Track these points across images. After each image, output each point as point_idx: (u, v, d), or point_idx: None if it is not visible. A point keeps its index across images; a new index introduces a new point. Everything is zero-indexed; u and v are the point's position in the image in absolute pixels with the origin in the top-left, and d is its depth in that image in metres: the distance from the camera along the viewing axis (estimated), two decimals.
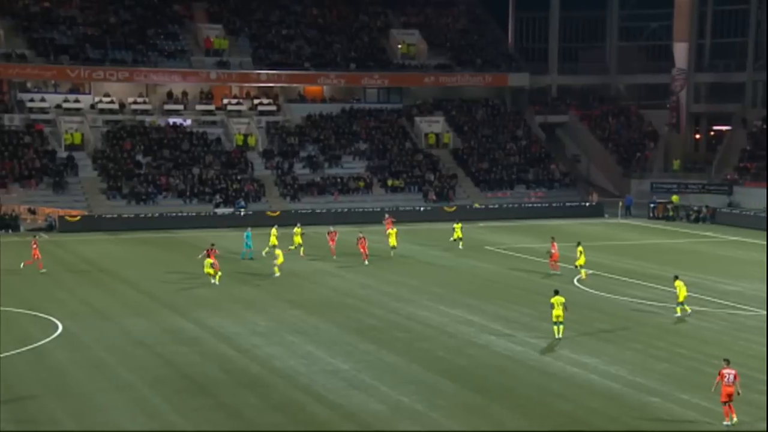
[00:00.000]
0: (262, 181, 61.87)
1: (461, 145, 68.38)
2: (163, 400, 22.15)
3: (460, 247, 45.26)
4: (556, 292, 28.33)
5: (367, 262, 40.92)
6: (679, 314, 31.15)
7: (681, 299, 31.07)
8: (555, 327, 27.80)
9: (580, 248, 38.28)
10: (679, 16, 69.49)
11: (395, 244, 43.13)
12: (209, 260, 36.85)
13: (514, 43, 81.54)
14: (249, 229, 44.01)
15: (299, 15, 74.54)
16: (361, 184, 62.83)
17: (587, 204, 62.86)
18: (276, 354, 26.42)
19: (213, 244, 39.69)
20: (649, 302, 33.80)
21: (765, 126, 68.55)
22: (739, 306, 33.11)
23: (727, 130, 74.73)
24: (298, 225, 44.60)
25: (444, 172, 65.24)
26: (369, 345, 27.42)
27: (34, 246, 39.80)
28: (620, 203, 61.30)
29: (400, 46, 72.76)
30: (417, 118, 69.59)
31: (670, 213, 59.24)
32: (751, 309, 32.65)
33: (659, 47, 79.83)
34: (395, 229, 43.80)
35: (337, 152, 65.63)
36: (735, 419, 20.33)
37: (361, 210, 58.20)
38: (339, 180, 62.80)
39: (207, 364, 25.31)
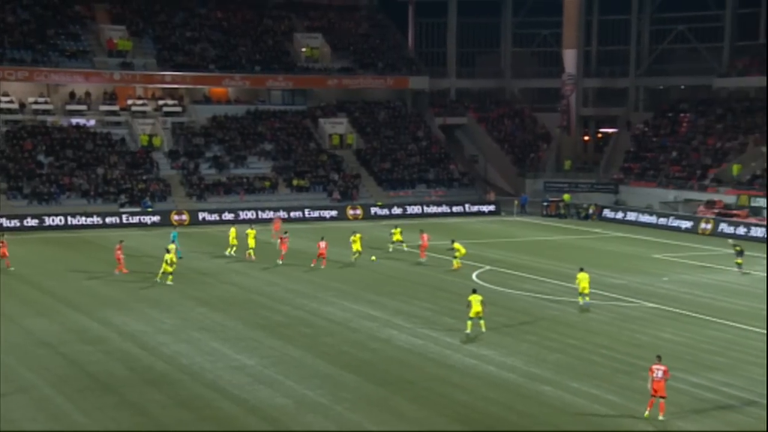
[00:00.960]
0: (168, 181, 60.70)
1: (364, 146, 68.57)
2: (65, 400, 21.50)
3: (405, 248, 43.36)
4: (474, 291, 28.54)
5: (281, 262, 40.17)
6: (582, 303, 32.06)
7: (581, 290, 32.03)
8: (470, 322, 27.93)
9: (456, 245, 39.72)
10: (568, 25, 71.26)
11: (359, 249, 40.53)
12: (170, 256, 35.94)
13: (414, 47, 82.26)
14: (176, 229, 43.30)
15: (203, 18, 73.42)
16: (267, 183, 62.32)
17: (485, 202, 63.92)
18: (182, 351, 25.96)
19: (121, 241, 38.98)
20: (542, 296, 34.56)
21: (646, 128, 70.99)
22: (624, 298, 34.18)
23: (613, 133, 77.10)
24: (251, 227, 43.63)
25: (348, 171, 65.31)
26: (275, 341, 27.23)
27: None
28: (516, 201, 62.47)
29: (303, 49, 72.45)
30: (321, 120, 69.44)
31: (562, 211, 60.66)
32: (635, 301, 33.74)
33: (550, 53, 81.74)
34: (359, 235, 41.27)
35: (242, 153, 64.93)
36: (647, 414, 20.55)
37: (266, 209, 57.78)
38: (245, 180, 62.14)
39: (112, 363, 24.69)
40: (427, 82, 74.04)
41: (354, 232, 41.43)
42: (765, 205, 53.71)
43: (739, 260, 39.91)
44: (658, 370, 20.67)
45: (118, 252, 37.82)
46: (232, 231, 42.63)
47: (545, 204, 61.54)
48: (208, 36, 71.53)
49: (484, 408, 21.35)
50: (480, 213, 61.48)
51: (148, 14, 71.57)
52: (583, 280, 32.15)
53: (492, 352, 26.20)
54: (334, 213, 58.98)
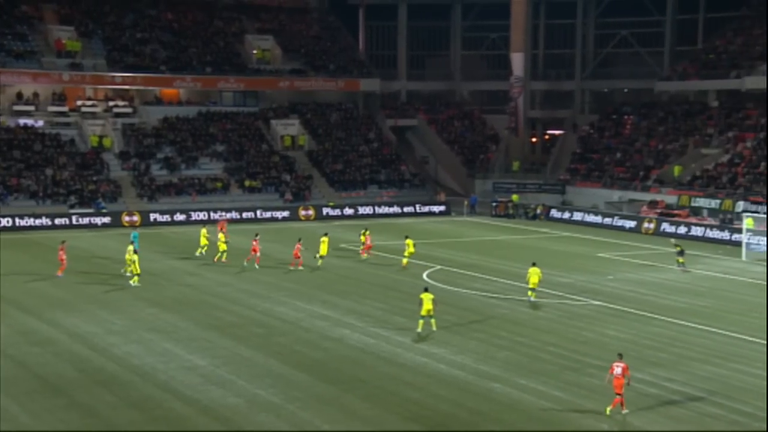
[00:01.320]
0: (119, 182, 59.87)
1: (316, 147, 68.41)
2: (12, 401, 21.07)
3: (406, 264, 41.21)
4: (426, 290, 28.58)
5: (246, 264, 39.24)
6: (532, 298, 32.72)
7: (531, 285, 32.65)
8: (421, 321, 27.98)
9: (408, 241, 40.03)
10: (515, 28, 71.93)
11: (325, 253, 39.71)
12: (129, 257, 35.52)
13: (365, 50, 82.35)
14: (136, 230, 42.73)
15: (153, 19, 72.55)
16: (219, 184, 61.81)
17: (436, 202, 64.23)
18: (133, 352, 25.62)
19: (63, 241, 38.32)
20: (492, 295, 34.80)
21: (592, 130, 71.96)
22: (570, 296, 34.58)
23: (559, 134, 78.04)
24: (204, 226, 43.20)
25: (300, 172, 65.09)
26: (227, 341, 27.00)
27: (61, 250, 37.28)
28: (465, 202, 62.85)
29: (255, 51, 72.02)
30: (273, 121, 69.10)
31: (510, 211, 61.19)
32: (582, 299, 34.17)
33: (498, 56, 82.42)
34: (327, 238, 40.31)
35: (194, 154, 64.31)
36: (609, 411, 20.68)
37: (218, 209, 57.34)
38: (197, 181, 61.55)
39: (61, 364, 24.25)
40: (378, 85, 74.13)
41: (325, 234, 40.83)
42: (707, 206, 54.75)
43: (681, 259, 40.66)
44: (618, 367, 20.94)
45: (61, 252, 37.12)
46: (203, 231, 42.19)
47: (494, 204, 62.04)
48: (159, 37, 70.72)
49: (435, 405, 21.44)
50: (430, 213, 61.73)
51: (97, 15, 70.52)
52: (533, 274, 32.72)
53: (442, 350, 26.31)
54: (286, 214, 58.74)
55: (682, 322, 30.06)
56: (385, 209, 61.39)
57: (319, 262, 39.69)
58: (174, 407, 21.04)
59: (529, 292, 33.00)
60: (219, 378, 23.27)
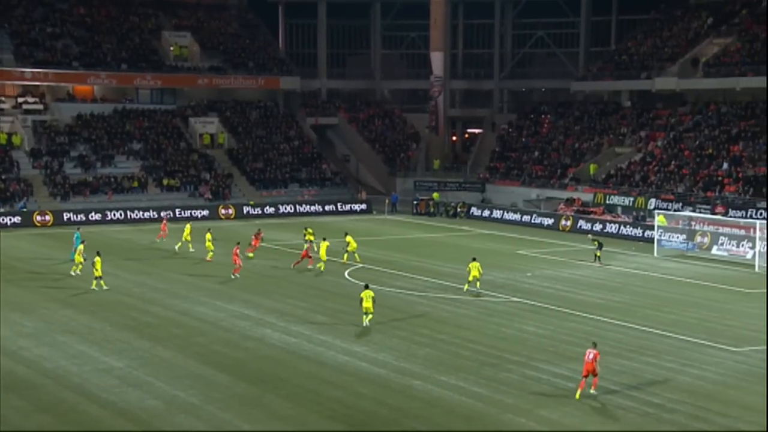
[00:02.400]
0: (30, 180, 58.12)
1: (236, 145, 67.72)
2: None
3: (346, 260, 41.22)
4: (366, 287, 29.02)
5: (251, 255, 40.46)
6: (466, 289, 33.98)
7: (471, 278, 34.18)
8: (365, 316, 28.62)
9: (348, 237, 40.40)
10: (435, 28, 72.51)
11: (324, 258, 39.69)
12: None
13: (285, 48, 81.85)
14: (78, 229, 41.53)
15: (65, 13, 70.65)
16: (136, 183, 60.61)
17: (357, 201, 64.32)
18: (45, 355, 24.90)
19: None
20: (413, 293, 35.00)
21: (510, 129, 73.12)
22: (490, 293, 35.04)
23: (479, 133, 79.05)
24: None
25: (219, 171, 64.32)
26: (144, 342, 26.49)
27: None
28: (387, 200, 63.08)
29: (172, 47, 70.85)
30: (191, 119, 68.10)
31: (431, 209, 61.67)
32: (501, 296, 34.66)
33: (418, 55, 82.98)
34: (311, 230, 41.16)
35: (110, 152, 62.89)
36: (578, 395, 21.89)
37: (135, 209, 56.29)
38: (113, 179, 60.21)
39: None
40: (298, 83, 73.79)
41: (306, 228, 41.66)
42: (621, 203, 56.16)
43: (599, 253, 41.66)
44: (590, 353, 22.40)
45: None
46: (187, 228, 42.94)
47: (415, 203, 62.43)
48: (71, 32, 68.92)
49: (356, 403, 21.45)
50: (352, 212, 61.79)
51: (4, 8, 68.29)
52: (474, 268, 34.14)
53: (364, 348, 26.35)
54: (205, 213, 57.99)
55: (598, 318, 30.78)
56: (306, 208, 61.21)
57: (321, 266, 38.72)
58: (88, 410, 20.54)
59: (467, 285, 34.38)
60: (136, 380, 22.81)
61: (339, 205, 62.37)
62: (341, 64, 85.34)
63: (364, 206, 62.96)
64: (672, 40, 67.13)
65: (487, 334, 28.34)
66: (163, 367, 23.97)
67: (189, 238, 42.61)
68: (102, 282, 33.98)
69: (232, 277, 36.88)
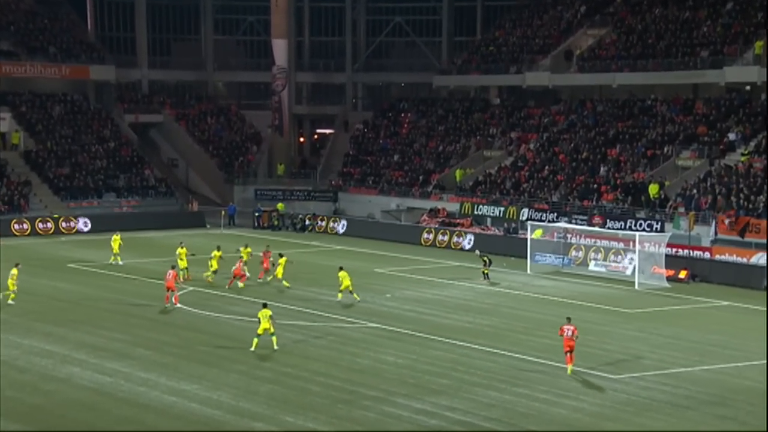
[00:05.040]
0: None
1: (35, 147, 65.50)
2: None
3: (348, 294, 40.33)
4: (265, 305, 30.04)
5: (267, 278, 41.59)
6: (339, 298, 36.25)
7: (343, 288, 37.08)
8: (256, 339, 29.65)
9: (282, 260, 41.13)
10: (277, 11, 72.48)
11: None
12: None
13: (95, 30, 79.44)
14: None
15: None
16: None
17: (187, 213, 63.42)
18: None
19: None
20: (252, 319, 34.75)
21: (366, 130, 73.97)
22: (344, 318, 35.28)
23: (330, 133, 79.52)
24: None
25: (14, 178, 61.95)
26: None
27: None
28: (223, 212, 62.46)
29: None
30: None
31: (275, 222, 61.54)
32: (356, 321, 34.95)
33: (258, 42, 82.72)
34: (285, 259, 41.11)
35: None
36: (571, 369, 27.19)
37: None
38: None
39: None
40: (113, 73, 72.09)
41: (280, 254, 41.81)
42: (491, 214, 57.77)
43: (486, 270, 42.67)
44: (568, 330, 27.25)
45: None
46: (116, 238, 44.44)
47: (257, 214, 62.14)
48: None
49: None
50: (181, 225, 60.78)
51: None
52: (344, 278, 37.03)
53: (195, 386, 25.99)
54: None
55: (465, 344, 31.53)
56: (126, 222, 59.76)
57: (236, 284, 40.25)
58: None
59: (340, 294, 37.38)
60: None
61: (165, 217, 61.25)
62: (166, 51, 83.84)
63: (195, 218, 62.11)
64: (543, 29, 69.78)
65: (340, 366, 28.52)
66: None
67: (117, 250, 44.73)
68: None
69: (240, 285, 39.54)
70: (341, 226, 59.63)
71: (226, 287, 40.05)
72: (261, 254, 42.90)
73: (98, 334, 31.91)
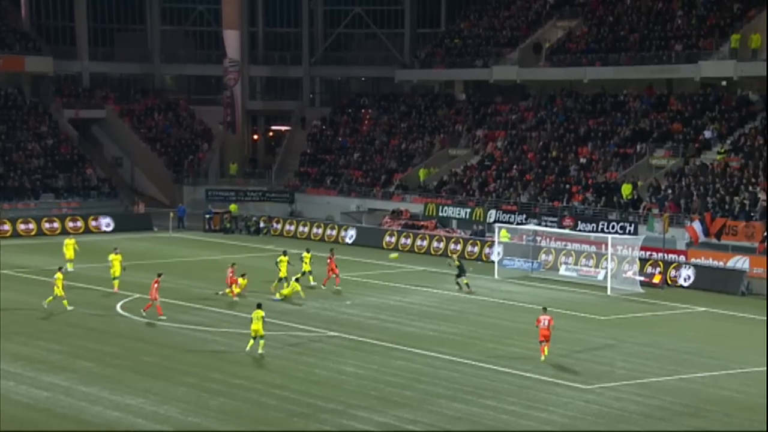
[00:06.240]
0: None
1: None
2: None
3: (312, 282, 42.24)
4: (259, 306, 30.69)
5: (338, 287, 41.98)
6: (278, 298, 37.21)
7: (282, 275, 38.71)
8: (252, 341, 30.35)
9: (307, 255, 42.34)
10: (228, 0, 72.30)
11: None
12: None
13: (31, 19, 78.48)
14: None
15: None
16: None
17: (132, 215, 63.08)
18: None
19: None
20: (204, 328, 34.62)
21: (324, 127, 73.93)
22: (301, 326, 35.21)
23: (286, 131, 79.39)
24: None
25: None
26: None
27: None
28: (171, 214, 62.18)
29: None
30: None
31: (228, 224, 61.34)
32: (314, 329, 34.92)
33: (208, 33, 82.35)
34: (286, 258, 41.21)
35: None
36: (545, 356, 29.59)
37: None
38: None
39: None
40: (50, 65, 71.55)
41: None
42: (456, 215, 57.97)
43: (465, 280, 42.49)
44: (545, 320, 29.42)
45: None
46: (69, 242, 45.51)
47: (207, 216, 61.93)
48: None
49: None
50: (125, 229, 60.45)
51: None
52: (283, 263, 39.22)
53: (141, 400, 25.83)
54: None
55: (429, 353, 31.59)
56: (65, 224, 59.39)
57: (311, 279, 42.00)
58: None
59: (277, 294, 38.54)
60: None
61: (108, 220, 60.85)
62: (108, 42, 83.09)
63: (142, 221, 61.73)
64: (511, 21, 70.17)
65: (297, 378, 28.47)
66: None
67: (72, 255, 44.81)
68: None
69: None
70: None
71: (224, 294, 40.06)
72: (327, 260, 42.88)
73: (33, 345, 31.68)
